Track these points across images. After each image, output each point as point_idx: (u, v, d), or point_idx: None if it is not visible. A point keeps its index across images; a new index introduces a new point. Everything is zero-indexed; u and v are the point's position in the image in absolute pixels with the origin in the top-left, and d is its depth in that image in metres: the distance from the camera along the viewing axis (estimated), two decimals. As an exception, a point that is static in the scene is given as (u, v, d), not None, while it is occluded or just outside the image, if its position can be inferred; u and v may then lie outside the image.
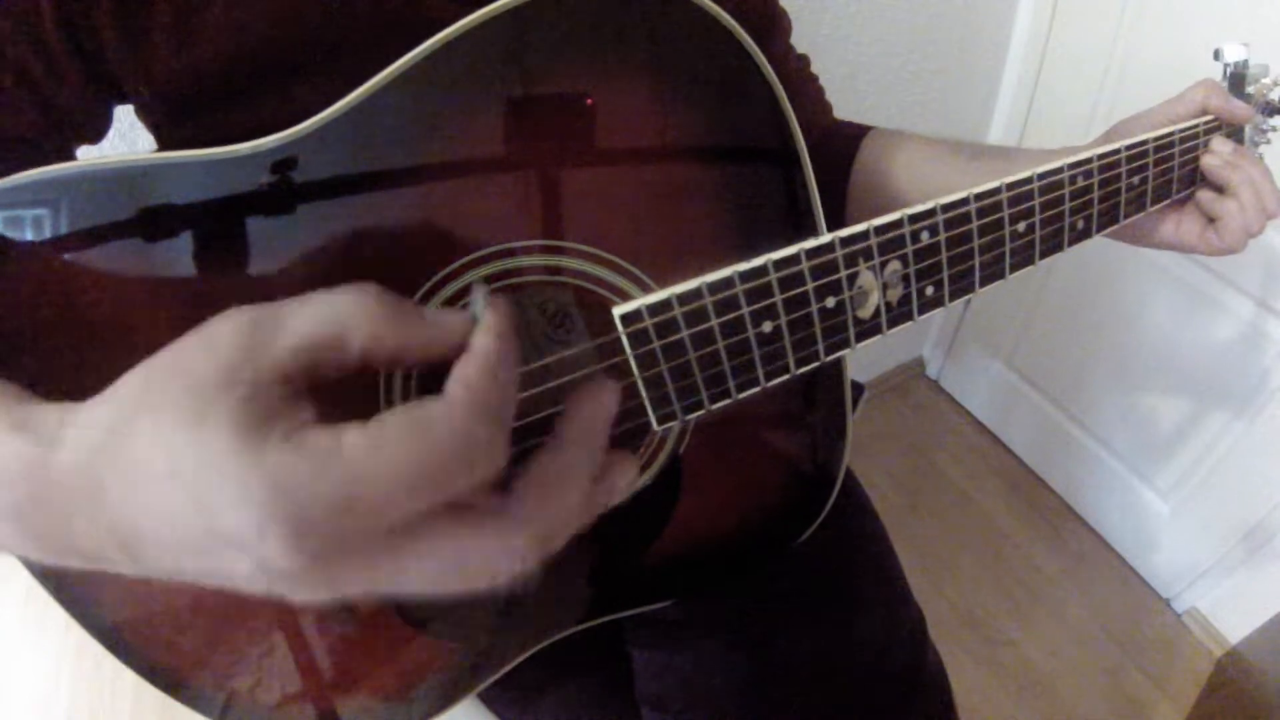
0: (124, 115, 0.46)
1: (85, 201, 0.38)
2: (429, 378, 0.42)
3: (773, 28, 0.59)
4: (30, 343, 0.40)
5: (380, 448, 0.23)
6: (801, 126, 0.41)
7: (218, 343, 0.24)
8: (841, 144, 0.62)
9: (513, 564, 0.26)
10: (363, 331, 0.25)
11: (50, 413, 0.28)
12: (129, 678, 0.46)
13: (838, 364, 0.45)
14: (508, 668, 0.54)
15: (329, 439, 0.23)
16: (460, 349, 0.26)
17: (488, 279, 0.40)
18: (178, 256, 0.38)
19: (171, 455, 0.23)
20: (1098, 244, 0.49)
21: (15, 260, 0.38)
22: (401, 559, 0.24)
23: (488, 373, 0.26)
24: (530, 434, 0.46)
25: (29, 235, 0.38)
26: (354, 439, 0.23)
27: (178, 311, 0.39)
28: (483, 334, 0.26)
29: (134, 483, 0.24)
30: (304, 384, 0.25)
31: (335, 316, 0.25)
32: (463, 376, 0.25)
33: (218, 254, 0.39)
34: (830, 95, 0.66)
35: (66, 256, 0.38)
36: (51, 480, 0.26)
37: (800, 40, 0.62)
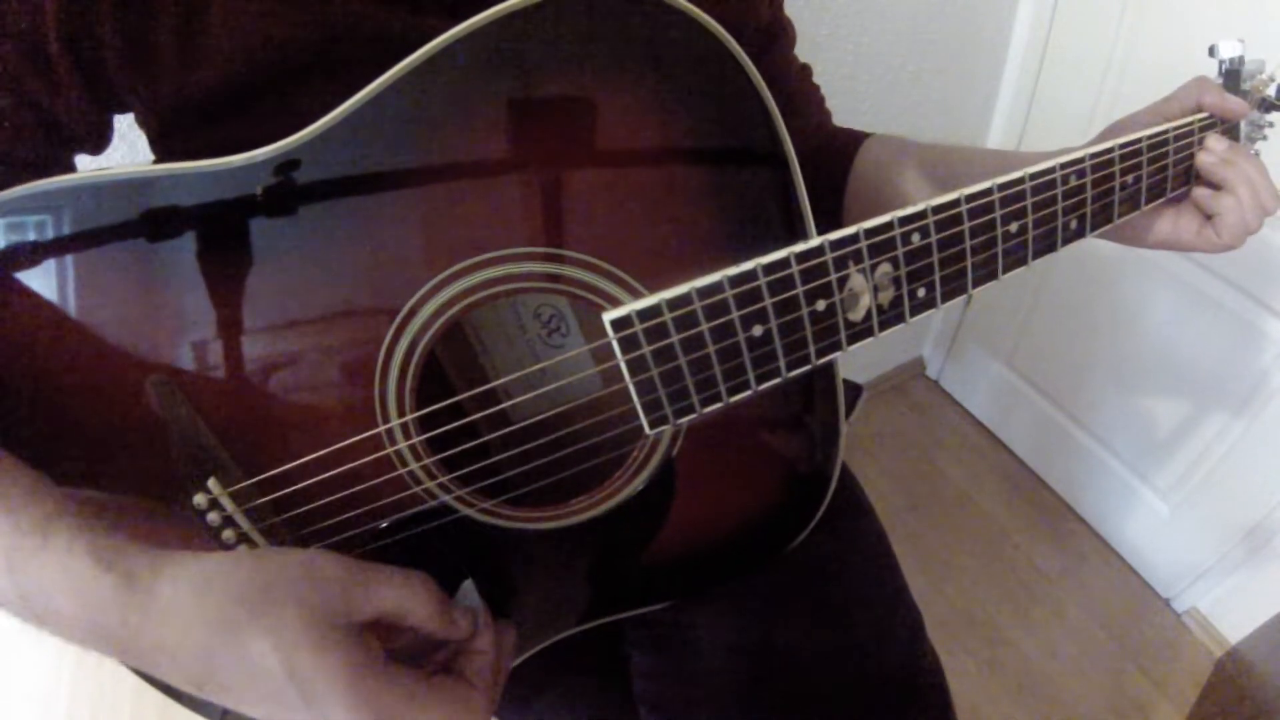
0: (124, 116, 0.46)
1: (86, 212, 0.38)
2: (424, 393, 0.43)
3: (778, 37, 0.59)
4: (30, 353, 0.40)
5: (438, 701, 0.36)
6: (800, 133, 0.41)
7: (327, 583, 0.35)
8: (839, 150, 0.63)
9: None
10: (417, 618, 0.38)
11: (136, 555, 0.35)
12: (129, 678, 0.47)
13: (830, 365, 0.45)
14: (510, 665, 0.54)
15: (412, 681, 0.36)
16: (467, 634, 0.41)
17: (483, 284, 0.40)
18: (179, 265, 0.39)
19: (293, 661, 0.33)
20: (1097, 244, 0.49)
21: (17, 270, 0.38)
22: None
23: (494, 667, 0.41)
24: (527, 437, 0.46)
25: (31, 244, 0.38)
26: (424, 690, 0.36)
27: (179, 318, 0.40)
28: (485, 633, 0.41)
29: (246, 663, 0.33)
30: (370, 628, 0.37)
31: (408, 603, 0.37)
32: (480, 672, 0.40)
33: (219, 262, 0.39)
34: (830, 96, 0.66)
35: (67, 266, 0.39)
36: (142, 624, 0.34)
37: (800, 40, 0.62)
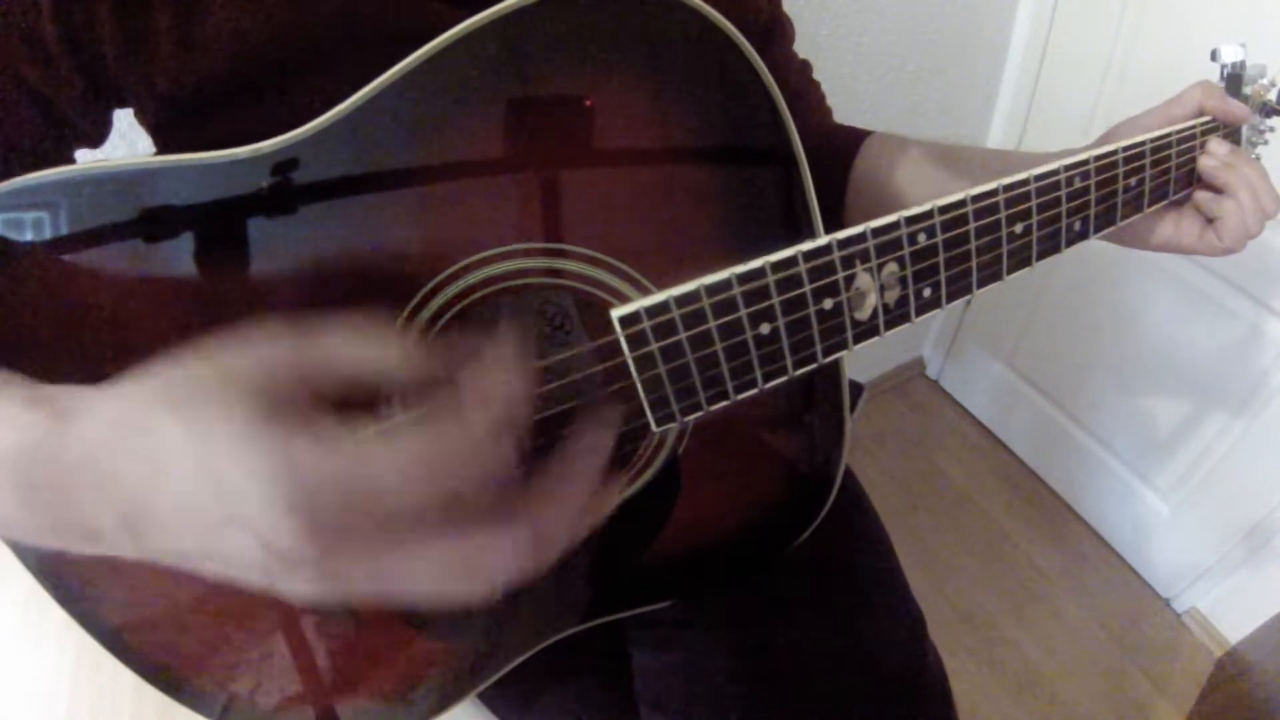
0: (124, 114, 0.46)
1: (85, 204, 0.38)
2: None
3: (777, 34, 0.59)
4: (30, 346, 0.40)
5: (393, 440, 0.24)
6: (801, 131, 0.41)
7: (258, 349, 0.27)
8: (840, 148, 0.63)
9: (509, 571, 0.26)
10: (390, 377, 0.28)
11: (69, 390, 0.29)
12: (129, 678, 0.47)
13: (836, 364, 0.45)
14: (508, 668, 0.54)
15: (346, 431, 0.24)
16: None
17: (486, 281, 0.40)
18: (179, 258, 0.39)
19: (203, 442, 0.25)
20: (1098, 245, 0.50)
21: (17, 263, 0.38)
22: (404, 555, 0.25)
23: (502, 382, 0.27)
24: (537, 433, 0.46)
25: (29, 237, 0.38)
26: (369, 433, 0.24)
27: (179, 313, 0.40)
28: (496, 342, 0.28)
29: (153, 462, 0.25)
30: (327, 397, 0.27)
31: (372, 361, 0.28)
32: (476, 386, 0.26)
33: (219, 256, 0.39)
34: (830, 95, 0.66)
35: (67, 259, 0.38)
36: (64, 455, 0.27)
37: (800, 40, 0.62)
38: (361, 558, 0.25)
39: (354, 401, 0.28)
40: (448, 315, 0.41)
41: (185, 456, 0.25)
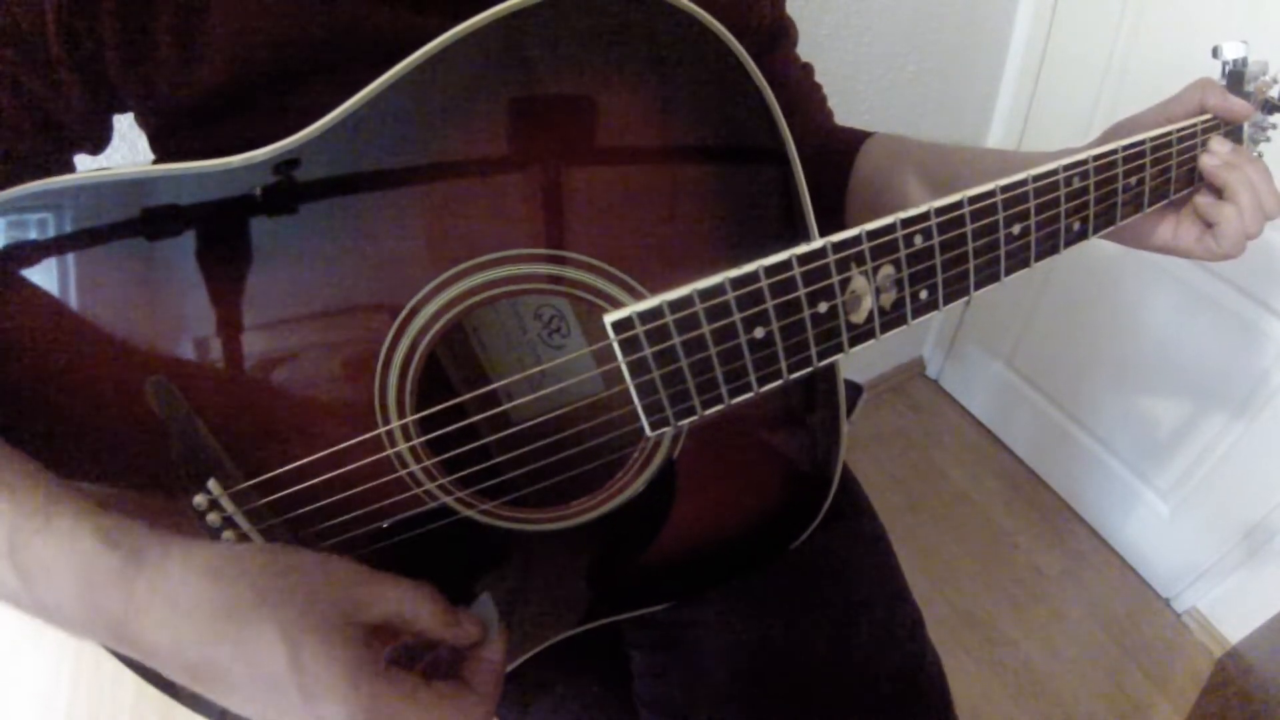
0: (124, 117, 0.46)
1: (86, 212, 0.38)
2: (424, 394, 0.43)
3: (780, 37, 0.59)
4: (29, 349, 0.40)
5: (437, 705, 0.36)
6: (802, 133, 0.41)
7: (339, 585, 0.35)
8: (841, 149, 0.62)
9: None
10: (423, 625, 0.38)
11: (144, 534, 0.34)
12: (129, 678, 0.47)
13: (832, 365, 0.45)
14: (508, 669, 0.54)
15: (413, 686, 0.35)
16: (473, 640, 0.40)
17: (483, 286, 0.40)
18: (180, 265, 0.39)
19: (299, 655, 0.33)
20: (1098, 244, 0.49)
21: (15, 273, 0.38)
22: None
23: (497, 676, 0.40)
24: (528, 439, 0.46)
25: (30, 243, 0.38)
26: (425, 692, 0.36)
27: (179, 319, 0.40)
28: (496, 642, 0.41)
29: (249, 652, 0.33)
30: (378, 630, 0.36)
31: (414, 608, 0.37)
32: (484, 680, 0.40)
33: (217, 262, 0.39)
34: (830, 95, 0.66)
35: (67, 266, 0.39)
36: (146, 605, 0.33)
37: (801, 40, 0.62)
38: None
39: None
40: (444, 319, 0.41)
41: (278, 655, 0.32)
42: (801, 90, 0.63)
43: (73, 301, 0.39)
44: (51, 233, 0.38)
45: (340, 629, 0.34)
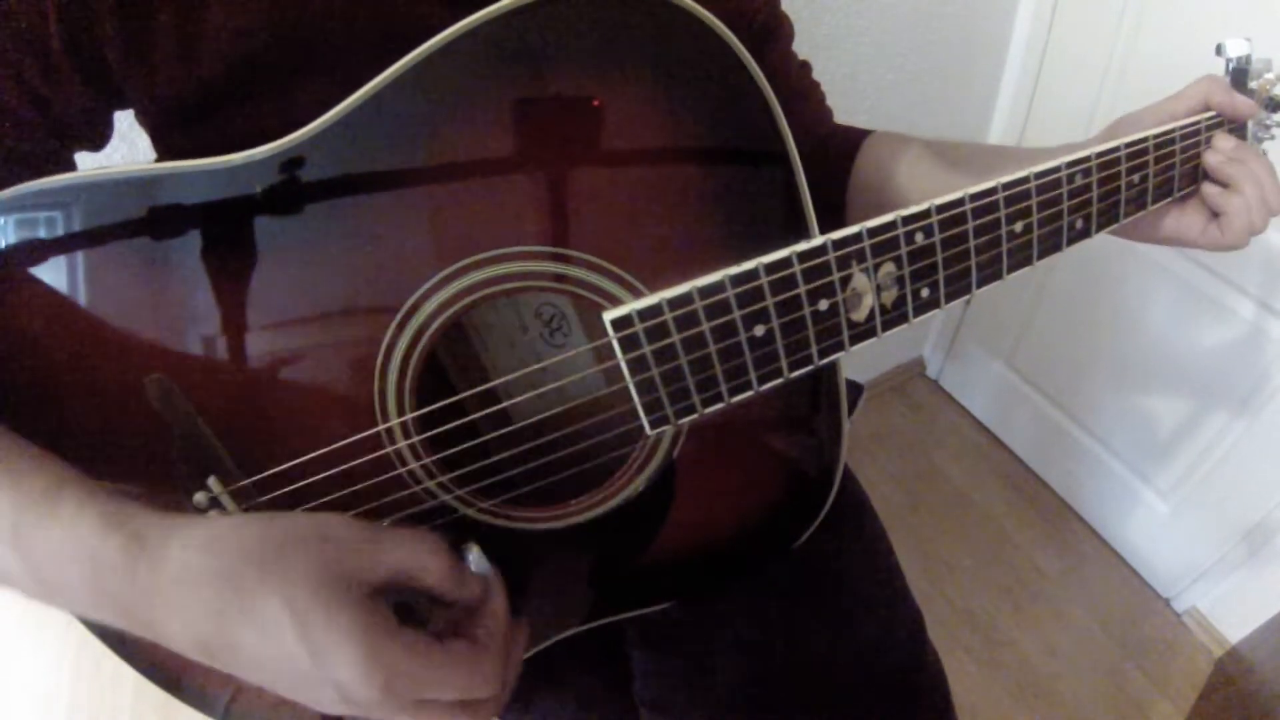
0: (124, 115, 0.46)
1: (89, 211, 0.38)
2: (424, 392, 0.43)
3: (775, 34, 0.59)
4: (31, 345, 0.40)
5: (452, 661, 0.36)
6: (801, 131, 0.41)
7: (337, 546, 0.35)
8: (840, 148, 0.62)
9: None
10: (429, 579, 0.37)
11: (145, 516, 0.35)
12: (129, 678, 0.47)
13: (833, 364, 0.45)
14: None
15: (424, 645, 0.35)
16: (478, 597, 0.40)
17: (483, 283, 0.40)
18: (181, 263, 0.39)
19: (304, 621, 0.32)
20: (1098, 243, 0.49)
21: (17, 270, 0.38)
22: (426, 713, 0.36)
23: (505, 632, 0.40)
24: (528, 437, 0.46)
25: (33, 241, 0.38)
26: (437, 650, 0.35)
27: (180, 316, 0.40)
28: (497, 596, 0.40)
29: (255, 625, 0.33)
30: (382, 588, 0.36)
31: (418, 564, 0.36)
32: (489, 629, 0.39)
33: (219, 260, 0.39)
34: (830, 95, 0.66)
35: (69, 264, 0.39)
36: (151, 585, 0.33)
37: (800, 40, 0.62)
38: (410, 710, 0.35)
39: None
40: (445, 316, 0.41)
41: (284, 628, 0.32)
42: (798, 88, 0.63)
43: (74, 299, 0.39)
44: (53, 231, 0.38)
45: (344, 593, 0.33)
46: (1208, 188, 0.50)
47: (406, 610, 0.37)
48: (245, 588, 0.33)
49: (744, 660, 0.59)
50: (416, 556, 0.37)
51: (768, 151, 0.40)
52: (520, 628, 0.44)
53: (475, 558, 0.41)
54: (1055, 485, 1.55)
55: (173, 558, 0.33)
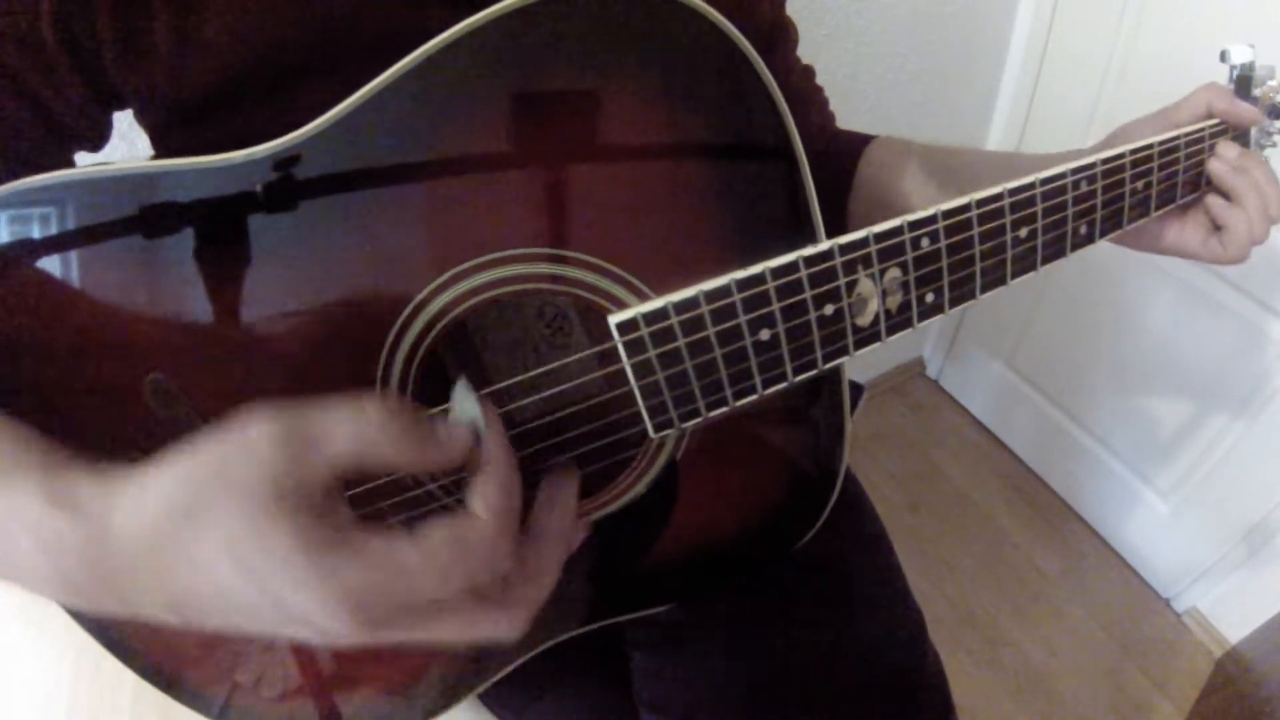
0: (123, 115, 0.46)
1: (83, 207, 0.38)
2: (425, 394, 0.42)
3: (781, 37, 0.59)
4: (27, 345, 0.40)
5: (426, 554, 0.29)
6: (804, 136, 0.41)
7: (261, 456, 0.30)
8: (844, 153, 0.62)
9: (511, 630, 0.33)
10: (386, 457, 0.31)
11: (87, 488, 0.32)
12: (129, 679, 0.47)
13: (836, 367, 0.45)
14: (509, 669, 0.54)
15: (383, 544, 0.29)
16: (465, 458, 0.33)
17: (486, 285, 0.40)
18: (176, 263, 0.38)
19: (239, 555, 0.29)
20: (1099, 245, 0.49)
21: (12, 268, 0.38)
22: (431, 625, 0.31)
23: (504, 493, 0.33)
24: (530, 440, 0.46)
25: (28, 238, 0.38)
26: (405, 546, 0.29)
27: (179, 317, 0.39)
28: (492, 449, 0.34)
29: (200, 571, 0.29)
30: (336, 484, 0.31)
31: (362, 441, 0.30)
32: (484, 496, 0.32)
33: (216, 261, 0.39)
34: (830, 95, 0.66)
35: (65, 262, 0.38)
36: (100, 556, 0.31)
37: (801, 40, 0.62)
38: (398, 629, 0.30)
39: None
40: (447, 319, 0.40)
41: (225, 567, 0.29)
42: (803, 92, 0.63)
43: (71, 299, 0.39)
44: (51, 228, 0.38)
45: (276, 509, 0.29)
46: (1210, 200, 0.50)
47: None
48: (182, 538, 0.29)
49: (744, 661, 0.59)
50: (357, 430, 0.31)
51: (773, 153, 0.40)
52: (568, 475, 0.38)
53: (460, 390, 0.34)
54: (1055, 485, 1.55)
55: (114, 525, 0.31)
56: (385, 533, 0.30)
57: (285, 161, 0.37)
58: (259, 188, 0.37)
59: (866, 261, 0.39)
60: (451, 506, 0.44)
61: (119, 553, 0.30)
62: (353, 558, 0.29)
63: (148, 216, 0.38)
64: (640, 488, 0.47)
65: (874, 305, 0.40)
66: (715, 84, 0.38)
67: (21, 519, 0.32)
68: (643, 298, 0.40)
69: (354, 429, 0.31)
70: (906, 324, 0.42)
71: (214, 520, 0.29)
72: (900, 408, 1.73)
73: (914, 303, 0.42)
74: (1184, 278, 1.15)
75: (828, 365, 0.41)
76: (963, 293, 0.43)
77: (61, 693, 0.98)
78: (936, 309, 0.42)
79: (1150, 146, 0.47)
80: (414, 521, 0.36)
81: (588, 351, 0.47)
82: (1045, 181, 0.42)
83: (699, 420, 0.41)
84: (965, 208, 0.40)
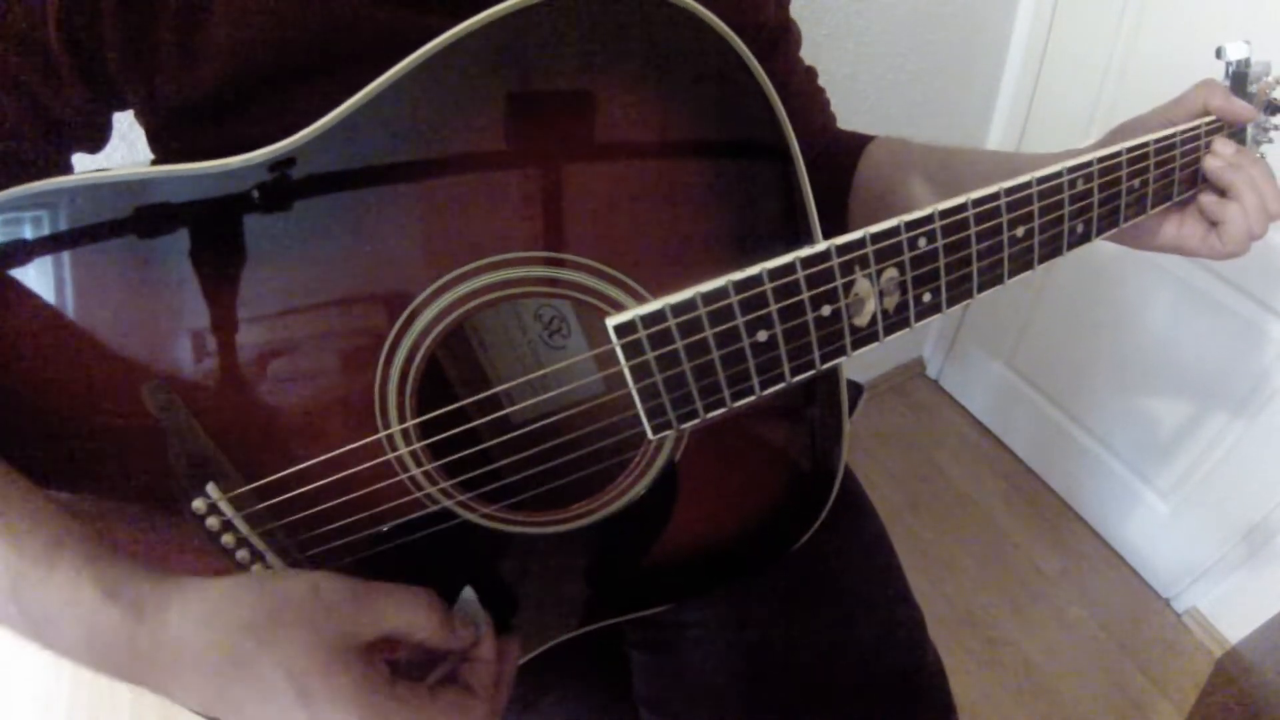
0: (123, 115, 0.46)
1: (83, 214, 0.38)
2: (424, 397, 0.43)
3: (784, 40, 0.59)
4: (25, 351, 0.40)
5: (443, 713, 0.37)
6: (805, 137, 0.41)
7: (332, 607, 0.36)
8: (843, 154, 0.62)
9: None
10: (422, 636, 0.39)
11: (143, 585, 0.35)
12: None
13: (834, 367, 0.45)
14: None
15: (420, 699, 0.37)
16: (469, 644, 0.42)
17: (484, 289, 0.40)
18: (178, 268, 0.39)
19: (303, 685, 0.34)
20: (1098, 244, 0.49)
21: (11, 275, 0.38)
22: None
23: (498, 681, 0.43)
24: (529, 442, 0.46)
25: (27, 244, 0.38)
26: (432, 704, 0.37)
27: (177, 322, 0.40)
28: (486, 642, 0.42)
29: (258, 689, 0.34)
30: (380, 646, 0.38)
31: (411, 621, 0.38)
32: (483, 680, 0.41)
33: (217, 264, 0.39)
34: (830, 95, 0.66)
35: (64, 268, 0.38)
36: (149, 652, 0.34)
37: (802, 40, 0.62)
38: None
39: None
40: (445, 322, 0.40)
41: (285, 693, 0.34)
42: (805, 94, 0.63)
43: (70, 304, 0.39)
44: (49, 234, 0.38)
45: (341, 654, 0.35)
46: (1205, 198, 0.50)
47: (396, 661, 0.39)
48: (244, 659, 0.34)
49: (744, 661, 0.59)
50: (410, 614, 0.38)
51: (770, 154, 0.40)
52: (510, 645, 0.45)
53: (467, 597, 0.43)
54: (1055, 485, 1.55)
55: (171, 629, 0.34)
56: (419, 689, 0.37)
57: (282, 166, 0.37)
58: (256, 193, 0.38)
59: (864, 262, 0.39)
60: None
61: (172, 653, 0.34)
62: (396, 703, 0.35)
63: (145, 223, 0.38)
64: (639, 489, 0.47)
65: (871, 305, 0.40)
66: (711, 86, 0.38)
67: (74, 611, 0.34)
68: (640, 300, 0.40)
69: (405, 609, 0.38)
70: (904, 324, 0.42)
71: (284, 650, 0.34)
72: (900, 408, 1.73)
73: (911, 303, 0.42)
74: (1183, 277, 1.15)
75: (825, 366, 0.41)
76: (960, 292, 0.43)
77: (61, 693, 0.98)
78: (934, 309, 0.42)
79: (1146, 144, 0.47)
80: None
81: (586, 354, 0.47)
82: (1041, 180, 0.42)
83: (697, 421, 0.41)
84: (962, 207, 0.40)
